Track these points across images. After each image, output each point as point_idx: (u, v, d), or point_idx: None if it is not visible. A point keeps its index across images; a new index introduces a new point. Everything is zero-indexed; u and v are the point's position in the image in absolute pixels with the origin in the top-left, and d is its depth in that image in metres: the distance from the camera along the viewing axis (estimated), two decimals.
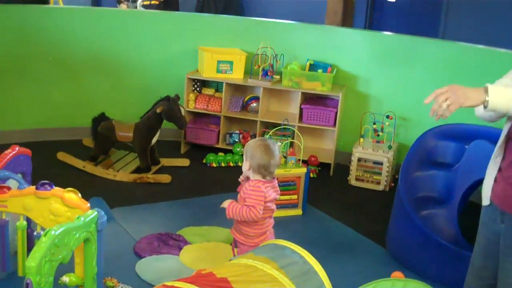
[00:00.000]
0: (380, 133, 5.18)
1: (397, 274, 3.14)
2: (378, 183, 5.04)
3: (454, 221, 3.78)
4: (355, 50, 5.49)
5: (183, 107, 5.05)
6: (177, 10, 7.51)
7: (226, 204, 3.17)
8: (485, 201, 2.47)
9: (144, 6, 7.08)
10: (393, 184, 5.03)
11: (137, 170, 4.96)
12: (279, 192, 3.26)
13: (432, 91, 2.22)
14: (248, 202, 3.10)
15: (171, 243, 3.79)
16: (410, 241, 3.76)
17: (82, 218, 2.63)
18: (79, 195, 2.90)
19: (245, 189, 3.15)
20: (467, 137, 4.18)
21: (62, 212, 2.84)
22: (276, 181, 3.24)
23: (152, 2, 7.08)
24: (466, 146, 4.12)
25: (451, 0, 8.35)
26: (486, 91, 2.16)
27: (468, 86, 2.22)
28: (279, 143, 4.19)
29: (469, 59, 5.15)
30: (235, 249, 3.24)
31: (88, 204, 2.86)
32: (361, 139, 5.19)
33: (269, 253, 2.78)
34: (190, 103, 5.50)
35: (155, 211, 4.36)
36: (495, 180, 2.42)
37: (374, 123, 5.21)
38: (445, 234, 3.69)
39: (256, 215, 3.08)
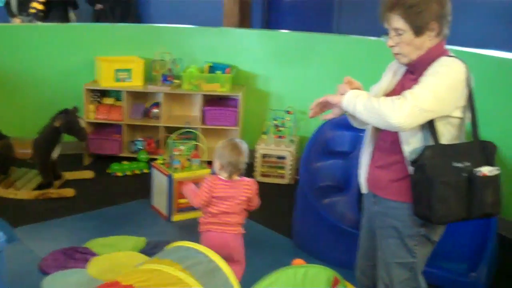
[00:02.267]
0: (282, 129, 5.30)
1: (298, 261, 3.23)
2: (283, 177, 5.17)
3: (354, 206, 3.91)
4: (253, 50, 5.60)
5: (82, 119, 4.97)
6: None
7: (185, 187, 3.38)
8: (363, 189, 2.63)
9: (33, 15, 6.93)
10: (297, 177, 5.15)
11: (39, 187, 4.84)
12: (243, 193, 3.26)
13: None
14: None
15: (77, 256, 3.73)
16: (314, 230, 3.88)
17: None
18: None
19: None
20: None
21: None
22: (243, 183, 3.28)
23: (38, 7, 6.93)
24: (361, 134, 4.27)
25: None
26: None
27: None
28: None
29: (361, 51, 5.36)
30: None
31: None
32: (264, 136, 5.30)
33: (173, 256, 2.80)
34: (90, 114, 5.42)
35: (60, 226, 4.28)
36: (369, 167, 2.57)
37: (275, 119, 5.33)
38: (346, 220, 3.83)
39: (197, 201, 3.24)
